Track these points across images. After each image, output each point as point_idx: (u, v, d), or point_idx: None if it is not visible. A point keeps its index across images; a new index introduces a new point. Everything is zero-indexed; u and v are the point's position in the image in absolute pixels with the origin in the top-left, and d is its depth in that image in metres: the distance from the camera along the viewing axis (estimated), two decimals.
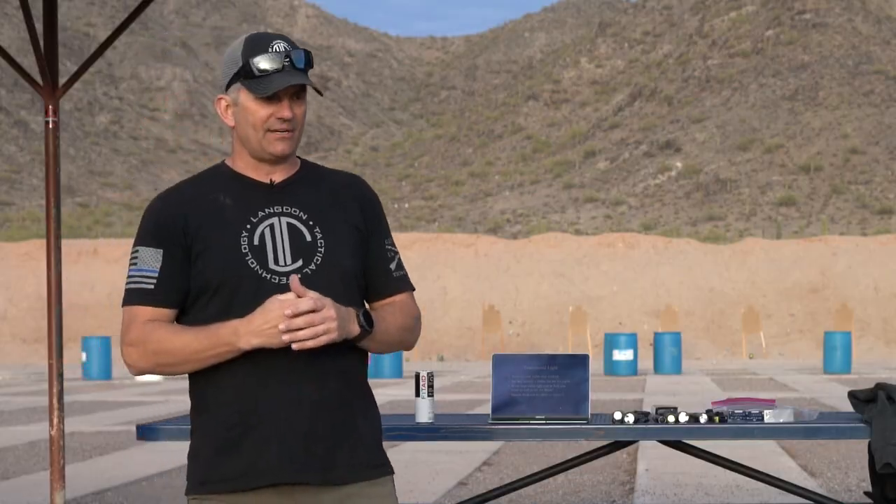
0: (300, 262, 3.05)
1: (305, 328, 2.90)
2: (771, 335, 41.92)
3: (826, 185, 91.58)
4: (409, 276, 3.27)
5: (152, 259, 3.05)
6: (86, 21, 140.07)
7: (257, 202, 3.10)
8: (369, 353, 3.17)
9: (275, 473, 2.97)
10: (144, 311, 3.03)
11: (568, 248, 45.46)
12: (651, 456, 11.77)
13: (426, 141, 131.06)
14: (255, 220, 3.07)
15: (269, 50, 3.05)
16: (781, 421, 4.85)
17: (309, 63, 3.10)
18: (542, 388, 4.79)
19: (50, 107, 6.44)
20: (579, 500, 9.39)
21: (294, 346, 2.91)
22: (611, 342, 30.05)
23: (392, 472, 3.16)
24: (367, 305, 3.17)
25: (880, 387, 4.94)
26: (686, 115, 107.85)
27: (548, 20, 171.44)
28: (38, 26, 6.52)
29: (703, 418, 4.82)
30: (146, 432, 4.93)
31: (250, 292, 3.01)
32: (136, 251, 3.06)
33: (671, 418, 4.80)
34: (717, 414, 4.86)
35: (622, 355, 29.89)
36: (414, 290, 3.24)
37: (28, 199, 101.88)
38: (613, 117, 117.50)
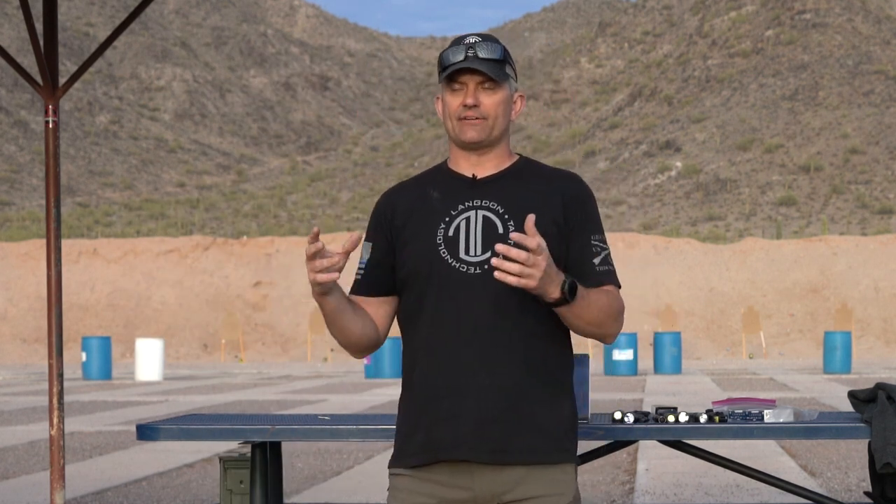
0: (489, 254, 3.19)
1: (516, 263, 3.02)
2: (771, 335, 41.91)
3: (826, 185, 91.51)
4: None
5: (365, 252, 3.36)
6: (86, 21, 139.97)
7: (459, 196, 3.29)
8: (569, 349, 3.32)
9: (447, 450, 3.17)
10: (355, 299, 3.35)
11: None
12: (651, 456, 11.77)
13: (426, 141, 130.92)
14: (454, 213, 3.27)
15: (459, 43, 3.25)
16: (781, 421, 4.85)
17: (501, 55, 3.25)
18: None
19: (50, 107, 6.44)
20: None
21: (496, 275, 3.04)
22: None
23: (574, 461, 3.28)
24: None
25: (880, 387, 4.94)
26: (686, 115, 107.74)
27: (548, 20, 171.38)
28: (38, 26, 6.51)
29: (703, 418, 4.82)
30: (146, 432, 4.93)
31: (440, 280, 3.22)
32: (363, 245, 3.38)
33: (671, 418, 4.79)
34: (717, 414, 4.85)
35: (622, 355, 29.90)
36: (619, 286, 3.32)
37: (28, 199, 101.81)
38: (613, 117, 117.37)
